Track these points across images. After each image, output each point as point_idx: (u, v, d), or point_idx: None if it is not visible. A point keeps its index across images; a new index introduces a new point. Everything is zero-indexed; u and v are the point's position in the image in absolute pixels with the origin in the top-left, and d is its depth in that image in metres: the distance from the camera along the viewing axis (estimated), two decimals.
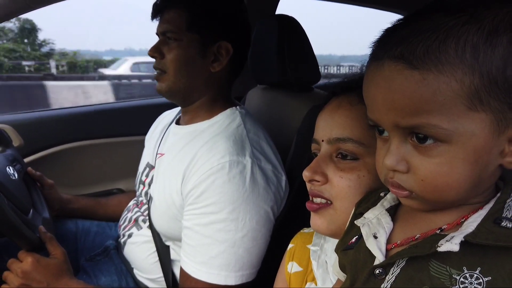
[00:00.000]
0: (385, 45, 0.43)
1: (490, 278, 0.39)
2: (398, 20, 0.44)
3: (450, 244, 0.41)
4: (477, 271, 0.40)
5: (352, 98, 0.65)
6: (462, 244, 0.40)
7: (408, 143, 0.43)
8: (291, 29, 1.21)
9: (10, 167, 1.05)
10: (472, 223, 0.42)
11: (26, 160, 1.40)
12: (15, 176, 1.04)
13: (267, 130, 1.06)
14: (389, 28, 0.45)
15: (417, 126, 0.41)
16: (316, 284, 0.70)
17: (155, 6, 0.97)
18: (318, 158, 0.65)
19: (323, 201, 0.64)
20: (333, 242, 0.71)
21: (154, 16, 0.98)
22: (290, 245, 0.79)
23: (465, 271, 0.40)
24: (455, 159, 0.41)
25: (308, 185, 0.66)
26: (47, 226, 1.02)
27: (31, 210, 1.02)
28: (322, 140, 0.65)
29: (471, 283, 0.39)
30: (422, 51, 0.39)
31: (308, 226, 0.80)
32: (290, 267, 0.76)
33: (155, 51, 0.96)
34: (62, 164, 1.52)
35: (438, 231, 0.45)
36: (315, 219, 0.66)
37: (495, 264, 0.39)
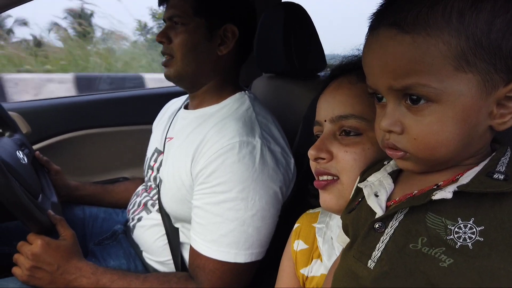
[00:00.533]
0: (380, 15, 0.47)
1: (483, 227, 0.42)
2: None
3: (444, 192, 0.43)
4: (471, 221, 0.42)
5: (351, 77, 0.68)
6: (456, 195, 0.43)
7: (402, 106, 0.46)
8: (298, 16, 1.22)
9: (20, 152, 1.06)
10: (466, 178, 0.45)
11: (33, 147, 1.41)
12: (24, 160, 1.05)
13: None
14: (384, 1, 0.49)
15: (409, 87, 0.44)
16: (321, 261, 0.71)
17: None
18: (322, 137, 0.67)
19: (330, 177, 0.66)
20: (338, 219, 0.72)
21: (161, 1, 0.99)
22: (296, 225, 0.81)
23: (460, 221, 0.43)
24: (445, 118, 0.44)
25: (313, 165, 0.69)
26: (56, 211, 1.03)
27: (40, 195, 1.03)
28: (325, 120, 0.67)
29: (465, 233, 0.42)
30: (412, 17, 0.43)
31: (314, 208, 0.82)
32: (296, 245, 0.77)
33: (162, 36, 0.97)
34: (69, 152, 1.53)
35: (434, 187, 0.48)
36: (324, 196, 0.68)
37: (488, 215, 0.42)
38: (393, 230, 0.47)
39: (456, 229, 0.42)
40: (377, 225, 0.49)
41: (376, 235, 0.48)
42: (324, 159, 0.66)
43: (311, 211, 0.82)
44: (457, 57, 0.42)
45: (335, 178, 0.66)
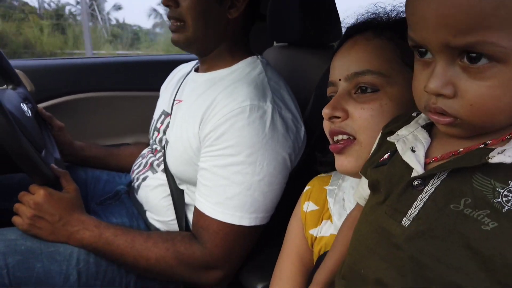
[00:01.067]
0: None
1: None
2: None
3: (503, 156, 0.39)
4: None
5: (367, 34, 0.64)
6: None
7: (457, 65, 0.40)
8: None
9: (23, 104, 1.03)
10: None
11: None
12: (28, 113, 1.02)
13: None
14: None
15: (471, 45, 0.37)
16: (331, 222, 0.70)
17: None
18: (337, 96, 0.64)
19: (345, 137, 0.63)
20: (351, 181, 0.71)
21: None
22: (306, 187, 0.79)
23: (511, 185, 0.39)
24: (510, 81, 0.38)
25: (327, 125, 0.65)
26: (59, 166, 1.01)
27: (44, 149, 1.01)
28: (340, 79, 0.64)
29: None
30: None
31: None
32: (306, 206, 0.76)
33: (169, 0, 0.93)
34: (72, 114, 1.51)
35: (482, 146, 0.43)
36: (340, 160, 0.64)
37: None
38: (433, 188, 0.43)
39: (505, 192, 0.38)
40: (416, 183, 0.44)
41: (414, 192, 0.44)
42: (339, 117, 0.62)
43: (323, 174, 0.80)
44: None
45: (351, 138, 0.63)
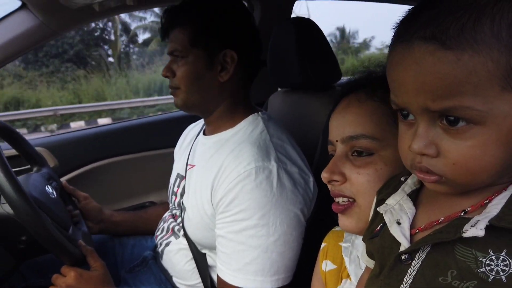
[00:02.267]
0: (412, 26, 0.41)
1: None
2: (423, 1, 0.43)
3: (475, 230, 0.40)
4: (503, 253, 0.39)
5: (360, 95, 0.66)
6: (487, 227, 0.40)
7: (438, 126, 0.42)
8: (309, 30, 1.22)
9: (49, 186, 1.09)
10: (496, 206, 0.42)
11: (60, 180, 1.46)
12: (54, 195, 1.08)
13: (292, 132, 1.06)
14: (413, 8, 0.43)
15: (449, 109, 0.40)
16: (350, 280, 0.70)
17: (162, 27, 1.01)
18: (334, 159, 0.66)
19: (345, 200, 0.65)
20: None
21: (163, 37, 1.02)
22: (322, 244, 0.80)
23: (491, 253, 0.40)
24: (489, 142, 0.40)
25: (329, 186, 0.67)
26: (87, 240, 1.06)
27: (71, 226, 1.06)
28: (337, 141, 0.66)
29: (497, 265, 0.39)
30: (456, 31, 0.38)
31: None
32: (325, 265, 0.76)
33: (167, 71, 0.99)
34: (94, 181, 1.58)
35: (462, 214, 0.45)
36: (342, 220, 0.67)
37: None
38: (420, 262, 0.45)
39: (487, 261, 0.39)
40: (403, 257, 0.46)
41: (402, 267, 0.46)
42: (337, 181, 0.64)
43: (337, 228, 0.80)
44: (505, 76, 0.38)
45: (351, 200, 0.64)
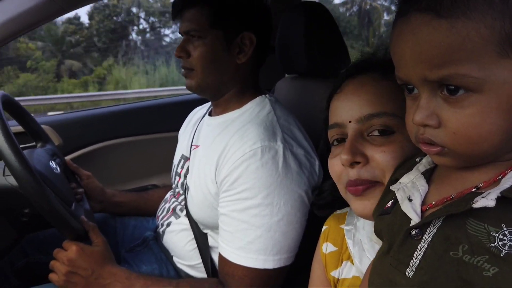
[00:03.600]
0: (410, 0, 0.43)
1: None
2: None
3: (486, 200, 0.40)
4: None
5: (374, 75, 0.64)
6: (499, 200, 0.39)
7: (438, 97, 0.42)
8: (318, 15, 1.20)
9: (52, 161, 1.09)
10: (510, 179, 0.41)
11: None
12: (57, 170, 1.08)
13: (298, 118, 1.06)
14: None
15: (446, 78, 0.40)
16: (352, 263, 0.70)
17: (175, 6, 0.99)
18: (350, 139, 0.62)
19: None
20: (363, 221, 0.70)
21: (175, 16, 1.00)
22: (324, 227, 0.79)
23: (504, 228, 0.39)
24: (488, 109, 0.40)
25: (342, 173, 0.63)
26: (89, 217, 1.06)
27: (74, 202, 1.06)
28: (350, 121, 0.63)
29: (510, 240, 0.38)
30: (449, 0, 0.39)
31: (341, 208, 0.79)
32: (325, 248, 0.76)
33: (181, 51, 0.97)
34: (98, 162, 1.58)
35: (474, 190, 0.44)
36: (358, 204, 0.63)
37: None
38: (431, 237, 0.44)
39: (500, 236, 0.39)
40: (413, 232, 0.46)
41: (413, 242, 0.46)
42: (359, 162, 0.61)
43: (338, 211, 0.79)
44: (501, 42, 0.38)
45: (372, 182, 0.62)
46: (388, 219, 0.52)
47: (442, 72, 0.40)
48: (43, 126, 1.33)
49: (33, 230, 1.09)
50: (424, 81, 0.43)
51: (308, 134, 1.02)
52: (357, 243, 0.69)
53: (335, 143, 0.68)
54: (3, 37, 1.22)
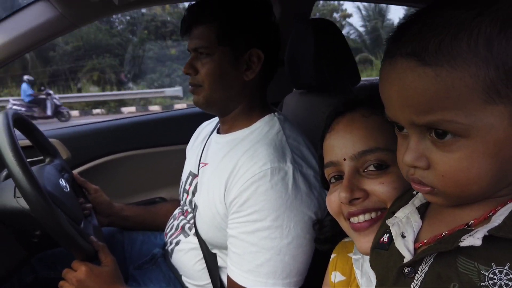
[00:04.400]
0: (397, 42, 0.43)
1: None
2: (410, 16, 0.44)
3: (472, 239, 0.40)
4: (507, 267, 0.38)
5: (363, 111, 0.64)
6: (488, 239, 0.39)
7: (427, 139, 0.43)
8: (328, 31, 1.20)
9: (62, 179, 1.09)
10: (499, 217, 0.41)
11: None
12: (67, 188, 1.08)
13: (306, 134, 1.05)
14: (401, 24, 0.45)
15: (433, 123, 0.41)
16: None
17: (184, 23, 0.99)
18: (348, 177, 0.63)
19: (372, 215, 0.62)
20: None
21: (183, 33, 1.00)
22: (332, 255, 0.79)
23: (494, 266, 0.39)
24: (475, 154, 0.40)
25: (346, 208, 0.63)
26: (98, 234, 1.06)
27: (83, 221, 1.06)
28: (344, 159, 0.64)
29: (500, 279, 0.38)
30: (434, 47, 0.39)
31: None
32: (334, 277, 0.75)
33: (189, 68, 0.98)
34: (106, 175, 1.58)
35: (465, 227, 0.44)
36: (363, 242, 0.63)
37: None
38: (423, 275, 0.44)
39: (490, 275, 0.39)
40: (406, 270, 0.46)
41: (406, 280, 0.46)
42: (359, 198, 0.61)
43: (346, 239, 0.79)
44: (486, 90, 0.38)
45: (378, 214, 0.62)
46: (385, 255, 0.52)
47: (429, 117, 0.41)
48: (51, 139, 1.34)
49: (43, 249, 1.10)
50: (411, 124, 0.43)
51: (316, 150, 1.01)
52: (365, 273, 0.69)
53: (333, 180, 0.68)
54: (15, 52, 1.24)
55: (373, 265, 0.56)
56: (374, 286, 0.65)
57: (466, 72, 0.38)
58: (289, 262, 0.85)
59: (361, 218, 0.63)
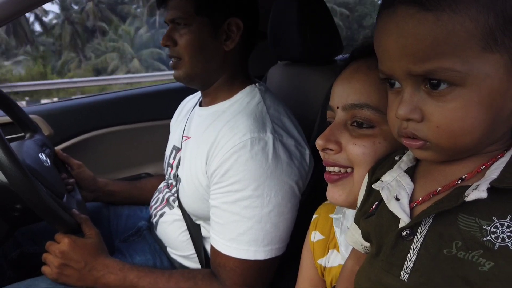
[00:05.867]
0: None
1: None
2: None
3: (478, 192, 0.40)
4: (508, 219, 0.39)
5: (371, 62, 0.61)
6: (488, 191, 0.39)
7: (422, 91, 0.43)
8: (311, 1, 1.18)
9: (42, 154, 1.08)
10: (495, 170, 0.41)
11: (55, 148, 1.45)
12: (47, 163, 1.07)
13: (291, 105, 1.05)
14: None
15: (430, 71, 0.40)
16: (338, 251, 0.71)
17: None
18: (332, 126, 0.63)
19: (337, 170, 0.63)
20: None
21: (159, 4, 0.98)
22: (314, 216, 0.80)
23: (495, 220, 0.39)
24: (470, 103, 0.40)
25: (321, 154, 0.65)
26: (81, 208, 1.06)
27: (65, 194, 1.05)
28: (337, 107, 0.63)
29: (502, 232, 0.38)
30: None
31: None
32: (313, 236, 0.77)
33: (167, 40, 0.96)
34: (90, 151, 1.57)
35: (459, 181, 0.44)
36: (331, 192, 0.64)
37: None
38: (423, 236, 0.43)
39: (492, 229, 0.39)
40: (405, 233, 0.45)
41: (405, 243, 0.45)
42: (332, 150, 0.62)
43: (328, 201, 0.80)
44: (484, 36, 0.38)
45: (347, 171, 0.62)
46: (374, 221, 0.51)
47: (427, 66, 0.40)
48: (32, 116, 1.32)
49: (26, 223, 1.09)
50: (408, 75, 0.43)
51: (300, 122, 1.01)
52: (344, 231, 0.70)
53: (328, 124, 0.68)
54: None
55: (365, 236, 0.55)
56: (347, 259, 0.66)
57: (467, 16, 0.38)
58: (270, 230, 0.86)
59: (331, 169, 0.63)
